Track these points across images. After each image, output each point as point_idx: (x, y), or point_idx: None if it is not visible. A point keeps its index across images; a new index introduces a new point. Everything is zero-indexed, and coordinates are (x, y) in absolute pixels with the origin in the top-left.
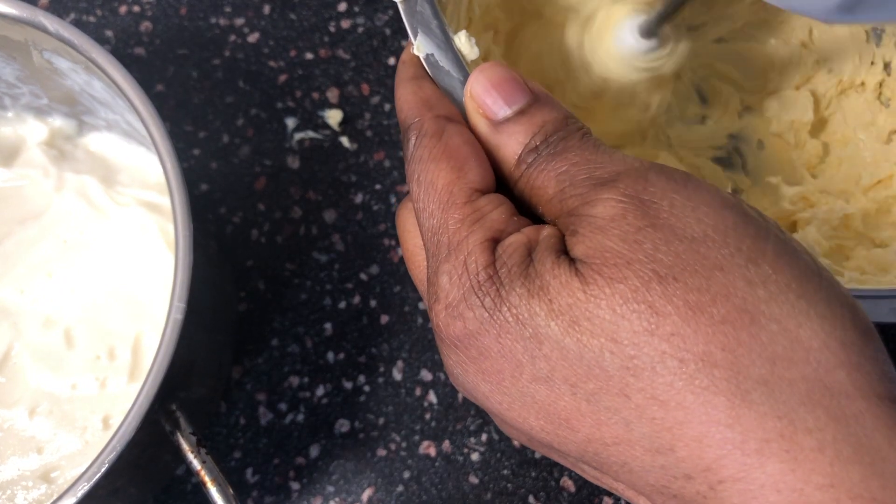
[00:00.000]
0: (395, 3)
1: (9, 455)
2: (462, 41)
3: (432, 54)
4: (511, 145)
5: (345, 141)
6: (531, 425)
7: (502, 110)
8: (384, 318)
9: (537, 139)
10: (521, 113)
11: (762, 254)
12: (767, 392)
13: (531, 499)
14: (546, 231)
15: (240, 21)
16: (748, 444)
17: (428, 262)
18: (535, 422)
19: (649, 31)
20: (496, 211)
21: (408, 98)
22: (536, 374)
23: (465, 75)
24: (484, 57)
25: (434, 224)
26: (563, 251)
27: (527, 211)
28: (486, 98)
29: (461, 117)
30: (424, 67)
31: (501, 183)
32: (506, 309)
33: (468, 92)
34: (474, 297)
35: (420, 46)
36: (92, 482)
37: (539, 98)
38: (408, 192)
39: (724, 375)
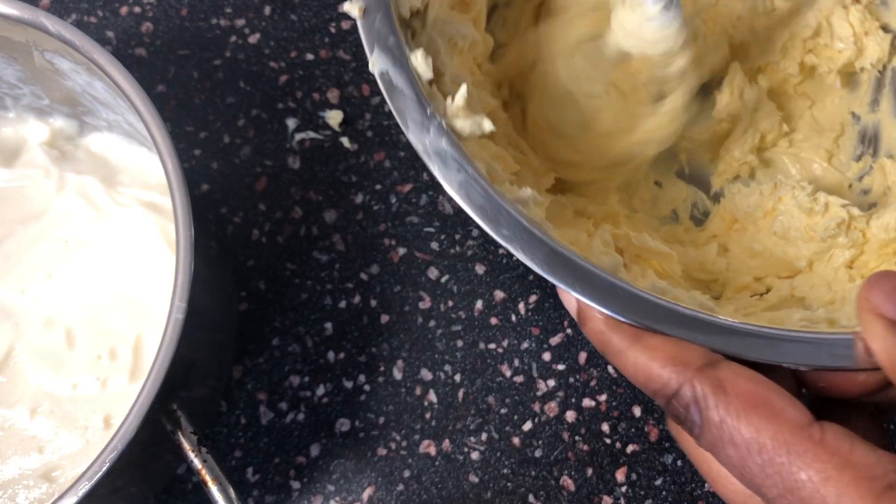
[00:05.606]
0: (354, 18)
1: (10, 454)
2: (419, 60)
3: (387, 72)
4: None
5: (345, 141)
6: None
7: None
8: (384, 318)
9: None
10: None
11: None
12: None
13: (531, 498)
14: None
15: (240, 22)
16: None
17: None
18: None
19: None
20: (859, 450)
21: (646, 365)
22: None
23: (419, 94)
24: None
25: (788, 488)
26: None
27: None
28: (889, 305)
29: (720, 357)
30: (620, 321)
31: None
32: None
33: (863, 295)
34: None
35: (375, 62)
36: (93, 481)
37: None
38: (408, 194)
39: None
